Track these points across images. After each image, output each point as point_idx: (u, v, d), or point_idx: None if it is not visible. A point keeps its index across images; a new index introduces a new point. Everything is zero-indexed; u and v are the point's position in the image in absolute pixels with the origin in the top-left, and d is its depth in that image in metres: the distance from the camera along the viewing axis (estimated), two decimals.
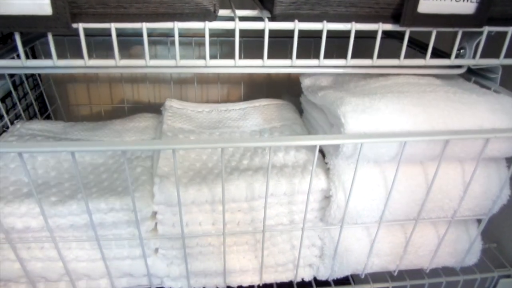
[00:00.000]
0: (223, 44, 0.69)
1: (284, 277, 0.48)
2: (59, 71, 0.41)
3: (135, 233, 0.41)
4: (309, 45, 0.64)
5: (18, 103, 0.57)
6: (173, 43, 0.63)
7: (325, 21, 0.38)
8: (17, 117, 0.58)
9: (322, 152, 0.46)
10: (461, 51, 0.44)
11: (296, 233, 0.45)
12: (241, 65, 0.40)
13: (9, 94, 0.57)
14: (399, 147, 0.39)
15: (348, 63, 0.41)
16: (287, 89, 0.70)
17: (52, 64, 0.38)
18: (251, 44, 0.62)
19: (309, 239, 0.46)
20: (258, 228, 0.44)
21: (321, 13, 0.37)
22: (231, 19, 0.38)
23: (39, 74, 0.67)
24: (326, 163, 0.44)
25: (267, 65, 0.40)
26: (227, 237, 0.42)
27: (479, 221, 0.49)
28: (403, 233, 0.47)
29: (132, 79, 0.74)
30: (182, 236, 0.41)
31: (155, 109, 0.59)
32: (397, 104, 0.39)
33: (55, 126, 0.53)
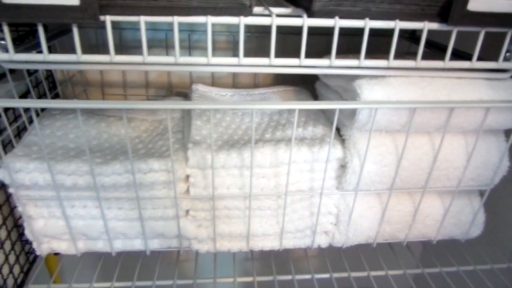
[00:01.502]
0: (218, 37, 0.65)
1: (302, 243, 0.52)
2: (84, 67, 0.39)
3: (170, 194, 0.46)
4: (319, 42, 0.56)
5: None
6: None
7: (367, 19, 0.36)
8: (31, 121, 0.53)
9: (337, 128, 0.50)
10: (507, 54, 0.42)
11: (314, 201, 0.50)
12: (245, 64, 0.38)
13: (24, 95, 0.54)
14: (409, 115, 0.43)
15: (361, 64, 0.39)
16: (302, 77, 0.62)
17: (76, 59, 0.36)
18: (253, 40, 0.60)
19: (326, 207, 0.50)
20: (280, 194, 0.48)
21: (362, 10, 0.36)
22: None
23: (53, 77, 0.63)
24: (341, 136, 0.49)
25: (274, 65, 0.39)
26: (251, 201, 0.47)
27: (482, 195, 0.53)
28: (412, 202, 0.51)
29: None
30: (212, 197, 0.45)
31: None
32: (405, 78, 0.44)
33: None
